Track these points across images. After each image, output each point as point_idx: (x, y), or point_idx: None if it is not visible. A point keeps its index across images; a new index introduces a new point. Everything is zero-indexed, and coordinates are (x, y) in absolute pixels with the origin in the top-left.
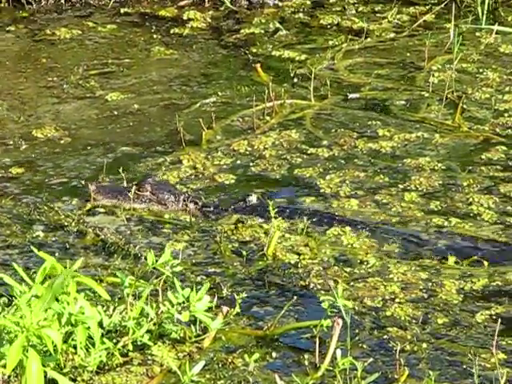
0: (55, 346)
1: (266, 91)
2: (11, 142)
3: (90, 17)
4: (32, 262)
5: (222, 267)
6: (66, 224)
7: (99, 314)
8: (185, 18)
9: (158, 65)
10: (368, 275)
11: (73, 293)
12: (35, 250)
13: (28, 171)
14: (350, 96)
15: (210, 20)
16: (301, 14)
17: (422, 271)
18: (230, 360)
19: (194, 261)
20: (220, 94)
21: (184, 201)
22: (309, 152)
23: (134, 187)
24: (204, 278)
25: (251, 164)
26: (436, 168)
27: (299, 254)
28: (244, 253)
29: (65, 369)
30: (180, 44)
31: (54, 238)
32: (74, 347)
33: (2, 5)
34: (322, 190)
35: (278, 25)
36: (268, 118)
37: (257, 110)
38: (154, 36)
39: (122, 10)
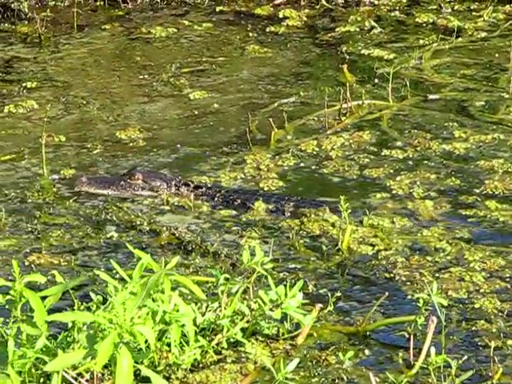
0: (148, 343)
1: (342, 92)
2: (89, 145)
3: (186, 15)
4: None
5: (301, 263)
6: (138, 224)
7: (193, 312)
8: (280, 16)
9: (251, 63)
10: (450, 264)
11: (167, 291)
12: (131, 248)
13: (88, 171)
14: (430, 97)
15: (305, 18)
16: (397, 12)
17: (502, 258)
18: (323, 357)
19: (272, 257)
20: (302, 93)
21: (176, 185)
22: (381, 153)
23: (125, 176)
24: (287, 274)
25: (314, 165)
26: (510, 170)
27: (373, 246)
28: (324, 247)
29: (159, 367)
30: (275, 42)
31: (128, 238)
32: (168, 345)
33: (98, 3)
34: (394, 192)
35: (373, 23)
36: (343, 118)
37: (333, 111)
38: (250, 34)
39: (218, 9)
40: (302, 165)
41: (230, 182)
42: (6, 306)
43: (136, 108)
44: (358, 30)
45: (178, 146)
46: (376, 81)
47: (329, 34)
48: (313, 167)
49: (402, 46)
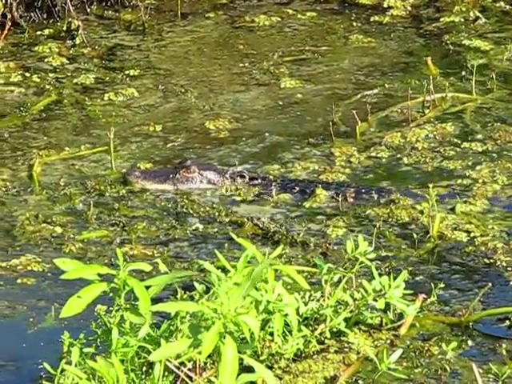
0: (252, 333)
1: (426, 85)
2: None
3: (290, 4)
4: (203, 254)
5: (391, 251)
6: (216, 215)
7: (296, 302)
8: (385, 5)
9: (353, 53)
10: None
11: (271, 280)
12: (235, 237)
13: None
14: None
15: (410, 8)
16: (502, 3)
17: None
18: (426, 348)
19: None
20: (387, 85)
21: (231, 177)
22: (461, 146)
23: (182, 170)
24: (379, 262)
25: (401, 157)
26: None
27: (468, 232)
28: (415, 235)
29: (262, 356)
30: (379, 32)
31: (213, 230)
32: (271, 334)
33: None
34: (479, 180)
35: (477, 13)
36: (426, 111)
37: (417, 103)
38: (354, 24)
39: None
40: (388, 156)
41: (314, 173)
42: (110, 294)
43: (230, 97)
44: (462, 20)
45: (266, 134)
46: (463, 73)
47: (433, 25)
48: (399, 159)
49: (503, 37)
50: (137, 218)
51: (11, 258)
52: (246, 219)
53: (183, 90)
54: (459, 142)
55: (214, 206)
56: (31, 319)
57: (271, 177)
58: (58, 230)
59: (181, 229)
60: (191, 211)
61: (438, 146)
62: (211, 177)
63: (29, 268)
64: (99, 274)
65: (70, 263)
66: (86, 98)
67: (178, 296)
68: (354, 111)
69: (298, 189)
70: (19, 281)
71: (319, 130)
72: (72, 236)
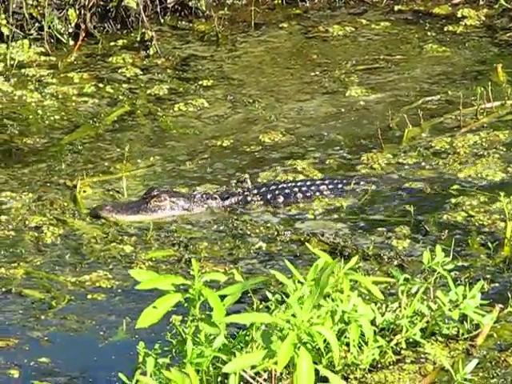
0: (327, 343)
1: (485, 92)
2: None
3: (364, 14)
4: (275, 269)
5: (467, 260)
6: (274, 233)
7: (372, 312)
8: (459, 15)
9: (426, 62)
10: None
11: (346, 290)
12: (310, 247)
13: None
14: None
15: (483, 18)
16: None
17: None
18: (502, 358)
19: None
20: (450, 92)
21: (202, 201)
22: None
23: (152, 199)
24: (457, 273)
25: (439, 163)
26: None
27: None
28: (490, 244)
29: (337, 366)
30: (453, 41)
31: (277, 248)
32: (347, 345)
33: (276, 2)
34: None
35: None
36: (480, 117)
37: (472, 110)
38: (428, 33)
39: (396, 8)
40: (421, 163)
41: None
42: (185, 305)
43: (294, 106)
44: None
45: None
46: None
47: (507, 34)
48: (432, 165)
49: None
50: (195, 238)
51: (81, 274)
52: (308, 236)
53: (251, 101)
54: (504, 149)
55: (273, 224)
56: (101, 333)
57: (240, 189)
58: (127, 249)
59: (244, 248)
60: (248, 231)
61: (482, 152)
62: (182, 203)
63: (97, 284)
64: (174, 285)
65: (144, 274)
66: (159, 109)
67: (254, 306)
68: (406, 116)
69: (282, 198)
70: (89, 296)
71: (374, 135)
72: (140, 255)
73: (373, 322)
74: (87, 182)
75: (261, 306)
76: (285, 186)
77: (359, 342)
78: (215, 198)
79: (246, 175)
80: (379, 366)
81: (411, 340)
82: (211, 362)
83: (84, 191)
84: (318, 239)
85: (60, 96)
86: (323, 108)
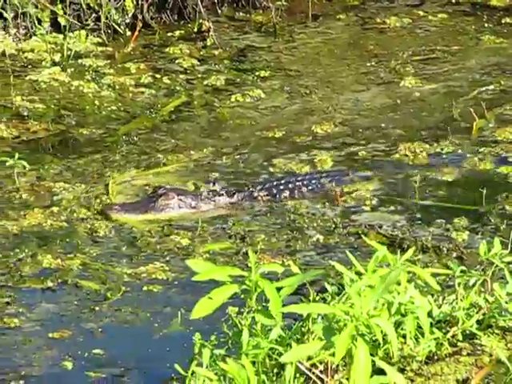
0: (384, 335)
1: None
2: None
3: (421, 6)
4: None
5: None
6: (331, 227)
7: (429, 304)
8: None
9: (482, 53)
10: None
11: (403, 282)
12: (367, 240)
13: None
14: None
15: None
16: None
17: None
18: None
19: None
20: (502, 82)
21: (209, 198)
22: None
23: (160, 197)
24: None
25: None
26: None
27: None
28: None
29: (393, 358)
30: (510, 33)
31: (335, 240)
32: (403, 337)
33: None
34: None
35: None
36: None
37: None
38: (485, 25)
39: (454, 0)
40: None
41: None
42: (242, 296)
43: (350, 97)
44: None
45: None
46: None
47: None
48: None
49: None
50: (252, 231)
51: (137, 265)
52: (366, 228)
53: (308, 92)
54: None
55: (330, 217)
56: (156, 325)
57: (250, 185)
58: (184, 242)
59: (301, 240)
60: (305, 224)
61: None
62: (189, 201)
63: (153, 276)
64: (230, 276)
65: (202, 264)
66: (215, 100)
67: (311, 298)
68: (471, 108)
69: (288, 192)
70: (145, 288)
71: (435, 127)
72: (197, 248)
73: (429, 314)
74: (128, 176)
75: (317, 298)
76: (289, 180)
77: (416, 334)
78: (222, 195)
79: (214, 178)
80: (435, 357)
81: (468, 332)
82: (267, 354)
83: (118, 185)
84: (376, 231)
85: (117, 86)
86: (379, 99)
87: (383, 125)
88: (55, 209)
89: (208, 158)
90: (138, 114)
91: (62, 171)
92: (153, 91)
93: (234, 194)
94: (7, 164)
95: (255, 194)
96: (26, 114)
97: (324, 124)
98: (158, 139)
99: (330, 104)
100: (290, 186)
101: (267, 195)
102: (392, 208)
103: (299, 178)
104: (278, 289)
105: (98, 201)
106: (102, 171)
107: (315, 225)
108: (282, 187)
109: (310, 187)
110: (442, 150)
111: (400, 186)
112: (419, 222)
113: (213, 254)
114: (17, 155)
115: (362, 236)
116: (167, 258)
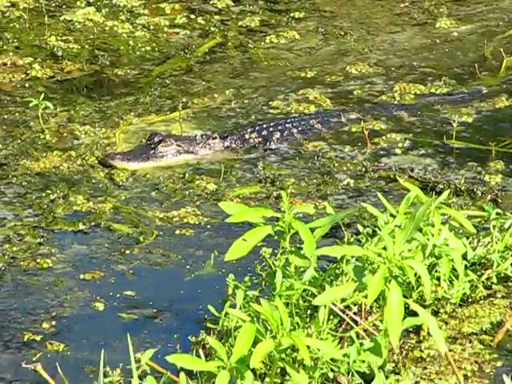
0: (418, 277)
1: None
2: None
3: None
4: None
5: None
6: (362, 170)
7: (464, 247)
8: None
9: None
10: None
11: (437, 224)
12: (401, 181)
13: None
14: None
15: None
16: None
17: None
18: None
19: None
20: None
21: (204, 142)
22: None
23: (159, 144)
24: None
25: None
26: None
27: None
28: None
29: (427, 301)
30: None
31: (365, 184)
32: (437, 279)
33: None
34: None
35: None
36: None
37: None
38: None
39: None
40: None
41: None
42: (275, 238)
43: (386, 38)
44: None
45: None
46: None
47: None
48: None
49: None
50: (282, 175)
51: (169, 210)
52: (397, 172)
53: (342, 33)
54: None
55: (359, 161)
56: (188, 267)
57: (241, 129)
58: (210, 187)
59: (331, 184)
60: (334, 168)
61: None
62: (187, 146)
63: (185, 220)
64: (264, 218)
65: (235, 206)
66: (250, 41)
67: (345, 240)
68: (502, 48)
69: (278, 134)
70: (177, 232)
71: (465, 68)
72: (227, 192)
73: (464, 257)
74: (144, 121)
75: (351, 240)
76: (279, 122)
77: (450, 277)
78: (215, 138)
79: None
80: (470, 300)
81: (502, 275)
82: (301, 295)
83: (125, 132)
84: (407, 175)
85: (151, 27)
86: (415, 40)
87: (415, 63)
88: (73, 153)
89: (229, 102)
90: (172, 55)
91: (91, 113)
92: (187, 32)
93: (227, 136)
94: (31, 104)
95: (246, 136)
96: (60, 54)
97: (358, 65)
98: (189, 81)
99: (366, 45)
100: (280, 127)
101: (258, 137)
102: (423, 151)
103: (288, 120)
104: (312, 230)
105: (109, 148)
106: (126, 115)
107: (345, 169)
108: (271, 129)
109: (300, 128)
110: (467, 88)
111: (431, 126)
112: (452, 165)
113: (243, 198)
114: (42, 96)
115: (398, 178)
116: (197, 203)
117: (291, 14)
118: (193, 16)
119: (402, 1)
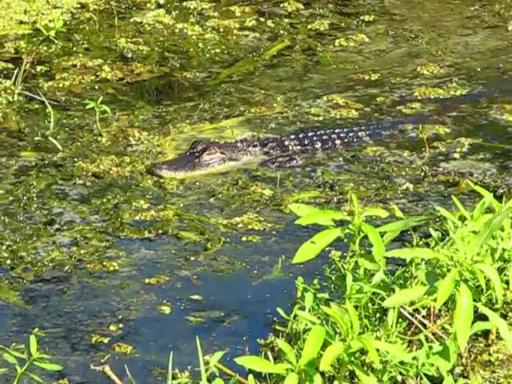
0: (488, 281)
1: None
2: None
3: None
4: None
5: None
6: (421, 175)
7: None
8: None
9: None
10: None
11: (507, 228)
12: (471, 184)
13: None
14: None
15: None
16: None
17: None
18: None
19: None
20: None
21: (245, 149)
22: None
23: (204, 152)
24: None
25: None
26: None
27: None
28: None
29: (496, 304)
30: None
31: (424, 189)
32: (506, 283)
33: None
34: None
35: None
36: None
37: None
38: None
39: None
40: None
41: None
42: (345, 240)
43: (459, 41)
44: None
45: (501, 65)
46: None
47: None
48: None
49: None
50: (341, 180)
51: (231, 216)
52: (456, 176)
53: (413, 36)
54: None
55: (418, 166)
56: (255, 272)
57: (282, 137)
58: (267, 193)
59: (390, 189)
60: (393, 173)
61: None
62: (230, 154)
63: (250, 227)
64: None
65: (305, 208)
66: (318, 44)
67: (414, 243)
68: None
69: (320, 144)
70: (244, 238)
71: None
72: (286, 198)
73: None
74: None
75: (420, 243)
76: (323, 132)
77: None
78: (256, 145)
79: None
80: None
81: None
82: (370, 298)
83: (176, 140)
84: (467, 179)
85: (221, 29)
86: (490, 42)
87: (501, 65)
88: (127, 158)
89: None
90: (240, 58)
91: (149, 118)
92: (257, 34)
93: (267, 143)
94: (87, 107)
95: (286, 143)
96: (130, 56)
97: (429, 66)
98: (249, 90)
99: (438, 48)
100: (324, 137)
101: (298, 144)
102: (481, 155)
103: (336, 131)
104: (382, 234)
105: (160, 156)
106: (182, 122)
107: (404, 173)
108: (314, 138)
109: (345, 140)
110: None
111: (489, 131)
112: (510, 169)
113: (303, 203)
114: (100, 99)
115: (467, 179)
116: (257, 209)
117: (361, 17)
118: (262, 19)
119: (472, 4)
